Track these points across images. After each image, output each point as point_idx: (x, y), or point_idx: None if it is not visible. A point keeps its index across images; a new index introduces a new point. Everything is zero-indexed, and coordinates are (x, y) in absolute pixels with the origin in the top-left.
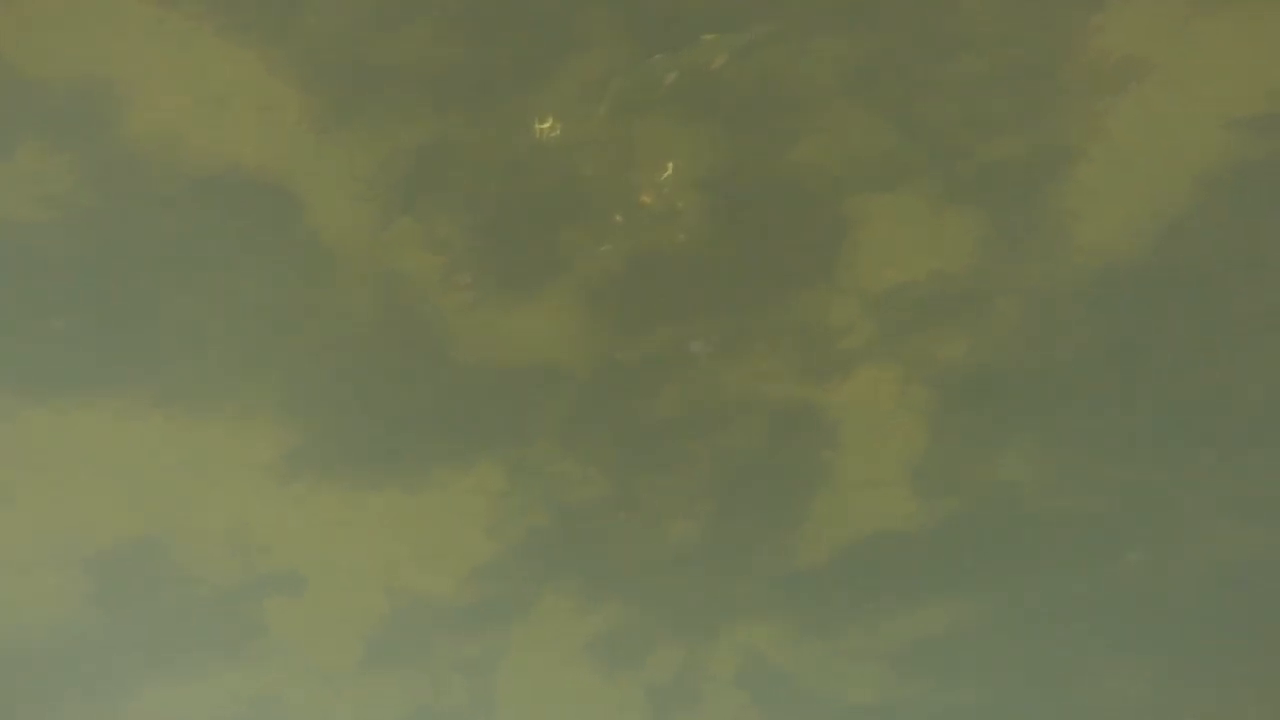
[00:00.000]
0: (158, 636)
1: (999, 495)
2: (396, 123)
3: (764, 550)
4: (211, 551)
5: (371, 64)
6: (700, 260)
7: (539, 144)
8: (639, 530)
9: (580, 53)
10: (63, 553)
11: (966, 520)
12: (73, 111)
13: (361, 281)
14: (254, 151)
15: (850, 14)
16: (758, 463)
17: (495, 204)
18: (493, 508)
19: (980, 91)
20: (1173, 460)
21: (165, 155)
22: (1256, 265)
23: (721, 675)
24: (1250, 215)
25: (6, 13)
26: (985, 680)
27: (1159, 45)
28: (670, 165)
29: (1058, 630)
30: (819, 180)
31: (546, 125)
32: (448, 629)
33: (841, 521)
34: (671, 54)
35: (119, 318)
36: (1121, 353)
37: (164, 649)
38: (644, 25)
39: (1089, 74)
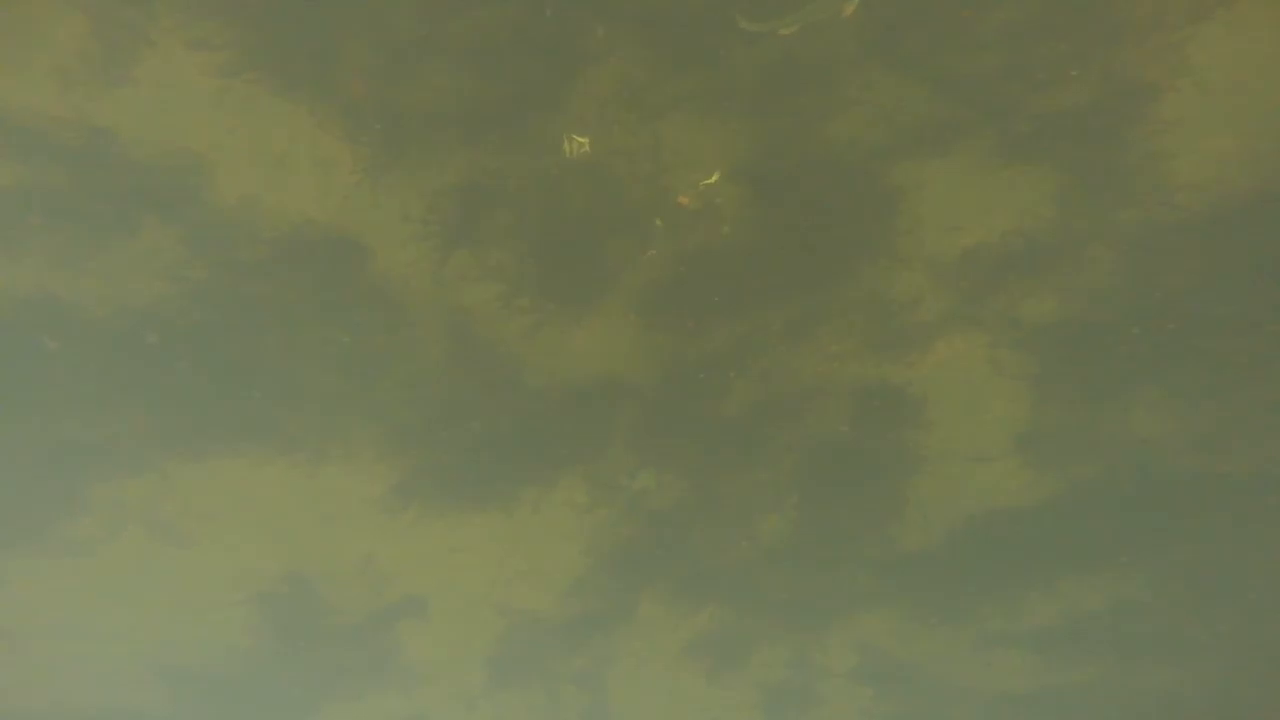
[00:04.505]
0: (317, 663)
1: (1130, 457)
2: (435, 161)
3: (863, 538)
4: (346, 583)
5: (403, 108)
6: (749, 251)
7: (570, 160)
8: (725, 530)
9: (592, 66)
10: (231, 590)
11: (1097, 487)
12: (174, 185)
13: (431, 319)
14: (318, 206)
15: None
16: (842, 449)
17: (539, 225)
18: (580, 522)
19: (1021, 39)
20: None
21: (248, 219)
22: None
23: (838, 670)
24: None
25: (119, 98)
26: (1164, 660)
27: None
28: (702, 161)
29: (1247, 605)
30: (860, 153)
31: (573, 142)
32: (556, 643)
33: (948, 501)
34: None
35: (237, 378)
36: (1244, 288)
37: (324, 675)
38: (650, 33)
39: (1158, 6)
